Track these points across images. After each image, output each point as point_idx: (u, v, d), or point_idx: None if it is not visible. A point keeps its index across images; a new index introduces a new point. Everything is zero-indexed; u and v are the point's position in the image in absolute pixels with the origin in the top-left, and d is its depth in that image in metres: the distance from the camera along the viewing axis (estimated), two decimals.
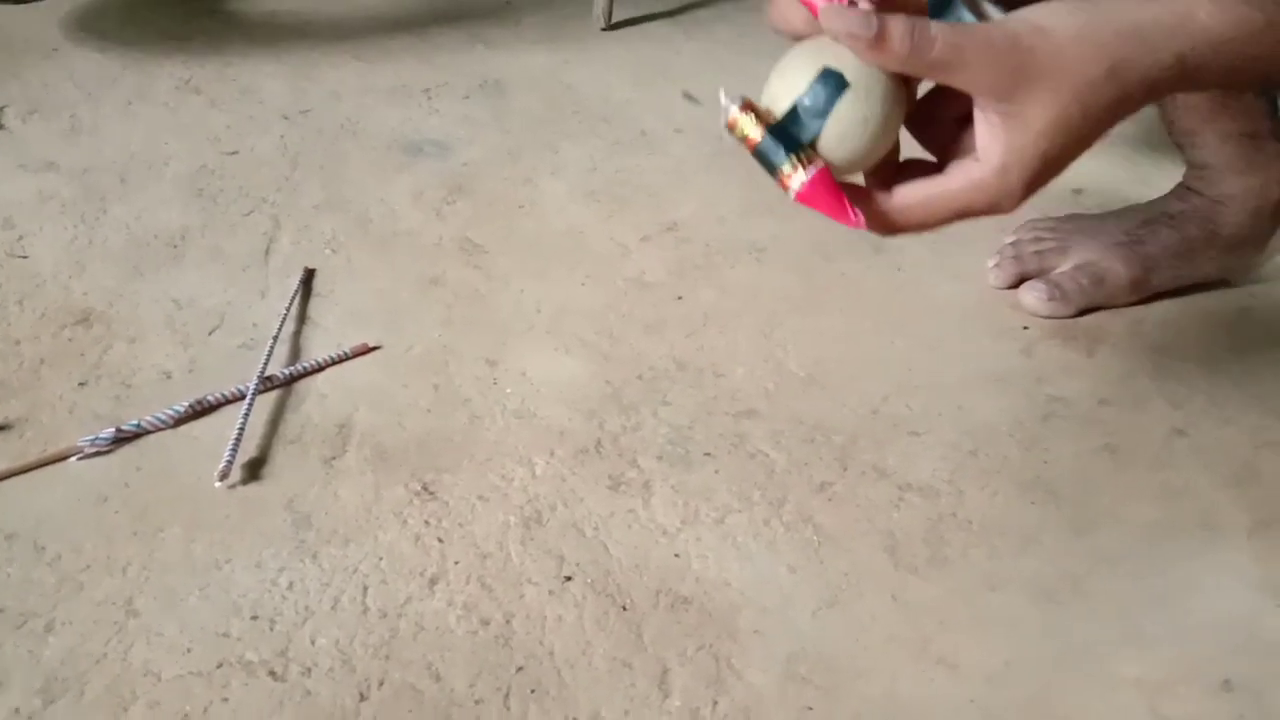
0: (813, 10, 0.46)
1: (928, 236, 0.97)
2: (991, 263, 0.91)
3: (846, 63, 0.46)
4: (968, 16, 0.46)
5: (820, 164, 0.46)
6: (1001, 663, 0.59)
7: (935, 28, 0.44)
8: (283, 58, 1.27)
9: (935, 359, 0.82)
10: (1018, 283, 0.89)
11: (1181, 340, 0.86)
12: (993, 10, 0.47)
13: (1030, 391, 0.80)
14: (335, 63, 1.26)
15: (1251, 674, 0.59)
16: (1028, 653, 0.60)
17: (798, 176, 0.46)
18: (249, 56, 1.26)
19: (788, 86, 0.47)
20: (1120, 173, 1.08)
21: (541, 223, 0.98)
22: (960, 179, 0.47)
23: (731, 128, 0.47)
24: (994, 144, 0.46)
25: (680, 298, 0.88)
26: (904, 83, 0.47)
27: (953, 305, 0.89)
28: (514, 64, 1.28)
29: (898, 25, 0.44)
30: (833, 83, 0.46)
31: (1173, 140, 0.91)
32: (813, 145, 0.46)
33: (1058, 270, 0.89)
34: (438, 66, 1.27)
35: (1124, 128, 1.22)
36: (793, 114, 0.46)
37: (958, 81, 0.45)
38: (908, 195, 0.48)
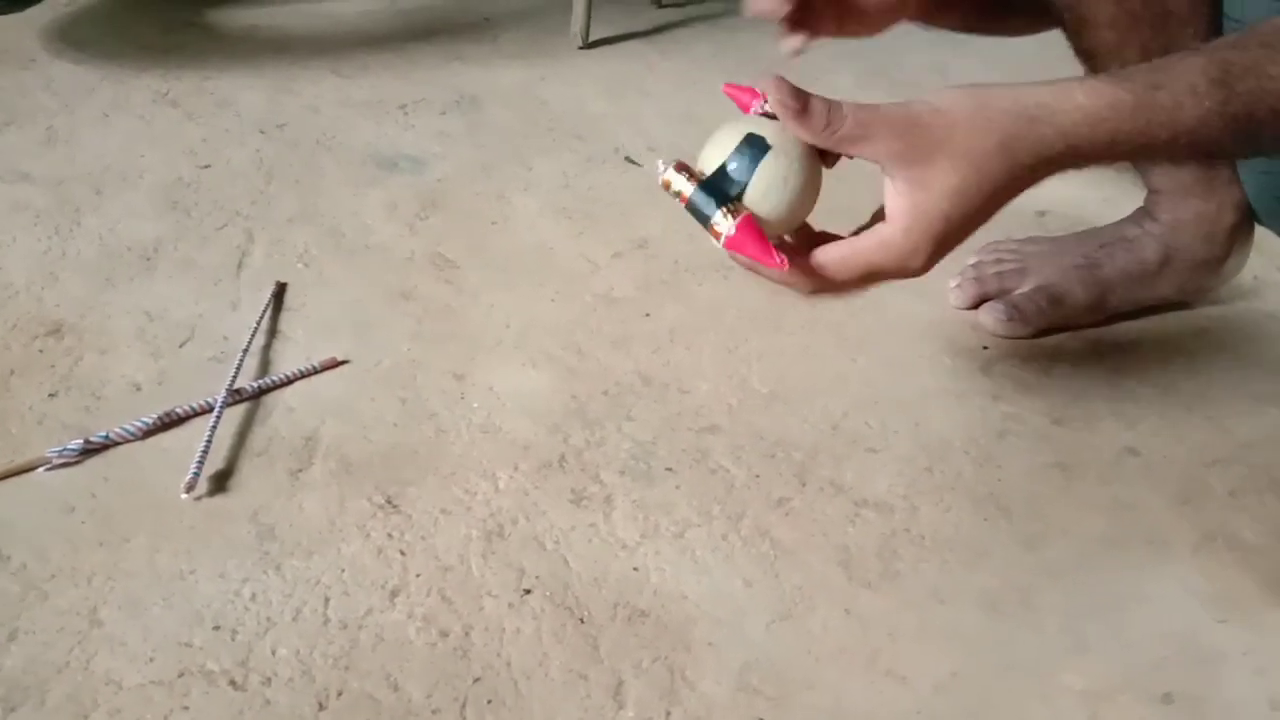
0: (744, 108, 0.54)
1: None
2: (953, 283, 0.93)
3: (768, 131, 0.52)
4: None
5: (746, 213, 0.51)
6: (948, 673, 0.61)
7: (847, 107, 0.50)
8: (261, 71, 1.28)
9: (895, 376, 0.84)
10: (978, 303, 0.91)
11: (1137, 361, 0.88)
12: None
13: (986, 409, 0.81)
14: (313, 77, 1.28)
15: (1191, 686, 0.61)
16: (974, 664, 0.62)
17: (726, 225, 0.51)
18: (227, 70, 1.28)
19: (718, 150, 0.52)
20: (1084, 195, 1.11)
21: (513, 238, 1.00)
22: (870, 238, 0.52)
23: (666, 187, 0.53)
24: (899, 206, 0.51)
25: (647, 314, 0.90)
26: (820, 157, 0.53)
27: (914, 324, 0.90)
28: (490, 80, 1.30)
29: (818, 101, 0.51)
30: (757, 145, 0.52)
31: (1134, 164, 0.93)
32: (739, 199, 0.51)
33: (1017, 291, 0.91)
34: (415, 82, 1.28)
35: None
36: (721, 171, 0.52)
37: (866, 153, 0.51)
38: (825, 254, 0.53)
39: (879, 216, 0.53)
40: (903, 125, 0.50)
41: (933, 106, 0.51)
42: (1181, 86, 0.51)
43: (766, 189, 0.51)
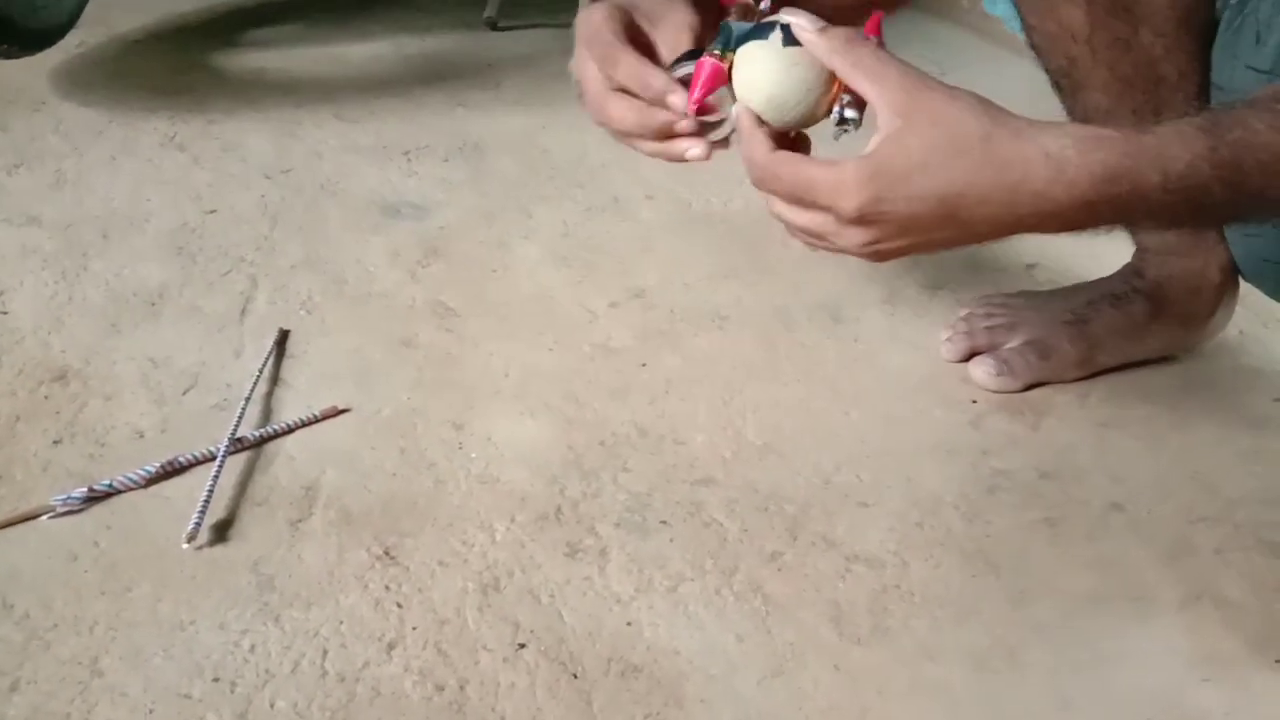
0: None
1: (887, 308, 1.01)
2: (944, 336, 0.95)
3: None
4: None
5: (717, 61, 0.58)
6: None
7: (872, 42, 0.55)
8: (267, 115, 1.30)
9: (887, 430, 0.86)
10: (968, 356, 0.93)
11: (1124, 415, 0.89)
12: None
13: (976, 464, 0.83)
14: (318, 121, 1.30)
15: None
16: None
17: (710, 59, 0.58)
18: (233, 113, 1.30)
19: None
20: (1073, 249, 1.12)
21: (513, 287, 1.01)
22: (825, 162, 0.54)
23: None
24: (870, 147, 0.53)
25: (644, 364, 0.91)
26: (830, 78, 0.56)
27: (906, 377, 0.92)
28: (493, 126, 1.32)
29: (841, 29, 0.54)
30: (766, 30, 0.57)
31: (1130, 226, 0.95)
32: (732, 50, 0.58)
33: (1007, 345, 0.92)
34: (419, 127, 1.30)
35: None
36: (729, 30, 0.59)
37: (872, 89, 0.53)
38: (783, 154, 0.56)
39: None
40: (911, 78, 0.53)
41: (942, 82, 0.53)
42: (1169, 131, 0.53)
43: (756, 73, 0.57)
